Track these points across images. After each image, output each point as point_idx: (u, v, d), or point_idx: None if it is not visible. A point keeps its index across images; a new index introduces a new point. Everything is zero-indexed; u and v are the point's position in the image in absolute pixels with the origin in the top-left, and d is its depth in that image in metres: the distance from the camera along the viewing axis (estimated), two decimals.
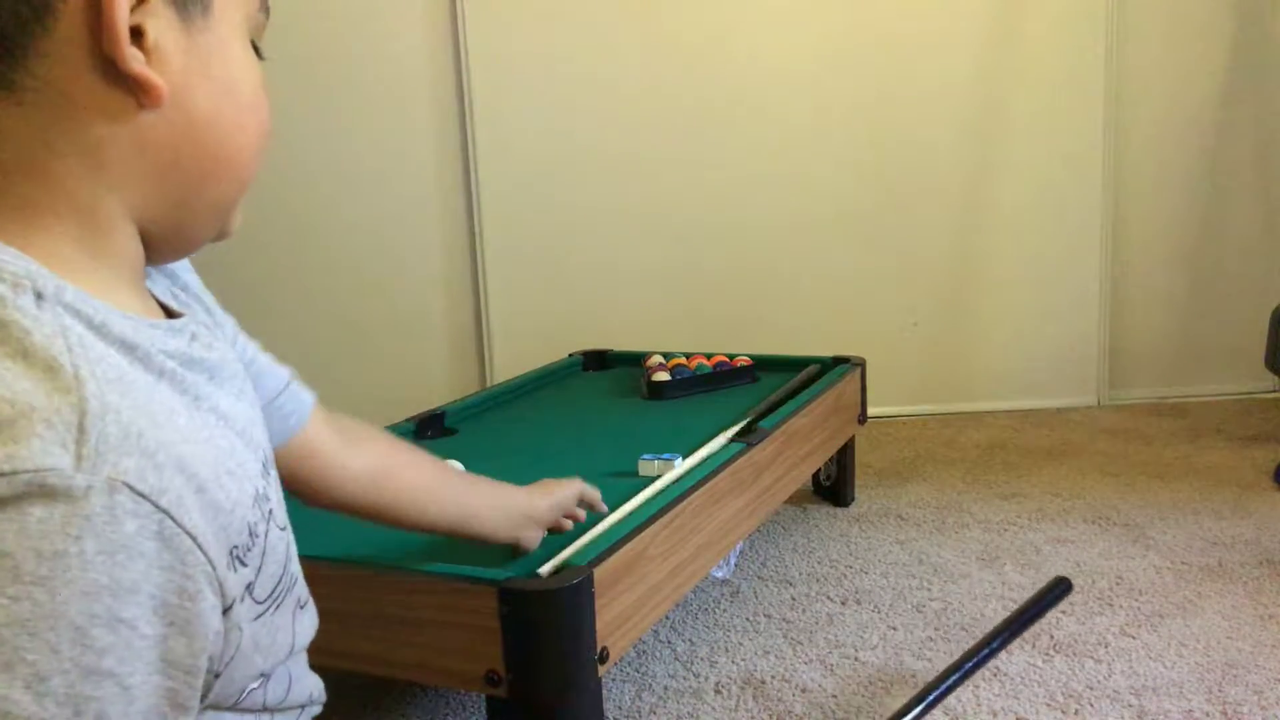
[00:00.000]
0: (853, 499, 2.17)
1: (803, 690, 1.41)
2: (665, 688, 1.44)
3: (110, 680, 0.41)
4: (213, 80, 0.52)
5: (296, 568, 0.59)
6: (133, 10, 0.47)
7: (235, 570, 0.48)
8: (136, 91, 0.48)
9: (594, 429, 1.86)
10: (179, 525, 0.43)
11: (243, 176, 0.55)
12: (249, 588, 0.50)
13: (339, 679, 1.42)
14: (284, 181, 2.72)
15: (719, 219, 2.86)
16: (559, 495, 1.17)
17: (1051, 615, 1.58)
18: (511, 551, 1.15)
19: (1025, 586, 1.70)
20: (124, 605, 0.41)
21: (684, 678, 1.47)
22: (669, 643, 1.57)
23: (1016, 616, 1.15)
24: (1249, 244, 2.88)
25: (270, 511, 0.53)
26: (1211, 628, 1.53)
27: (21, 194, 0.48)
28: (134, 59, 0.47)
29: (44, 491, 0.39)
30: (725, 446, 1.56)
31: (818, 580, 1.78)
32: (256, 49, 0.56)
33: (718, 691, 1.42)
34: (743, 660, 1.51)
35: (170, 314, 0.57)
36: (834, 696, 1.39)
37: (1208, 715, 1.30)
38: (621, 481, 1.44)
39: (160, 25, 0.48)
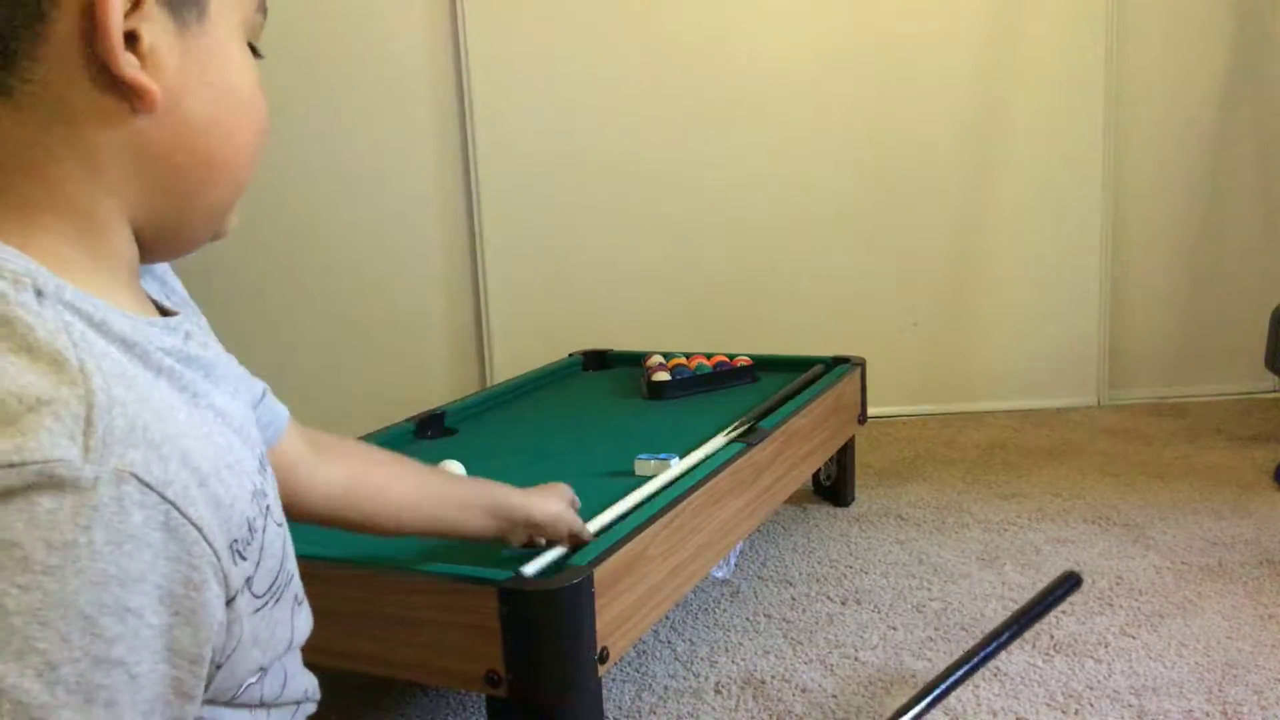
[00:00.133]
0: (853, 499, 2.17)
1: (803, 690, 1.41)
2: (665, 688, 1.44)
3: (119, 669, 0.41)
4: (209, 84, 0.52)
5: (293, 564, 0.60)
6: (127, 15, 0.47)
7: (236, 564, 0.48)
8: (131, 97, 0.48)
9: (594, 429, 1.86)
10: (185, 516, 0.44)
11: (239, 179, 0.56)
12: (248, 581, 0.50)
13: (338, 679, 1.42)
14: (284, 181, 2.72)
15: (719, 219, 2.86)
16: (565, 513, 1.13)
17: (1051, 615, 1.58)
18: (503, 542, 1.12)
19: (1025, 586, 1.70)
20: (132, 594, 0.41)
21: (684, 678, 1.47)
22: (669, 643, 1.57)
23: (1026, 610, 1.15)
24: (1249, 244, 2.88)
25: (268, 507, 0.53)
26: (1211, 628, 1.53)
27: (21, 194, 0.48)
28: (128, 64, 0.47)
29: (53, 482, 0.40)
30: (724, 447, 1.56)
31: (818, 580, 1.78)
32: (255, 49, 0.56)
33: (718, 691, 1.42)
34: (743, 660, 1.51)
35: (165, 313, 0.57)
36: (834, 696, 1.39)
37: (1208, 715, 1.30)
38: (618, 481, 1.44)
39: (155, 30, 0.48)
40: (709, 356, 2.19)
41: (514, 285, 2.88)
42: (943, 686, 0.83)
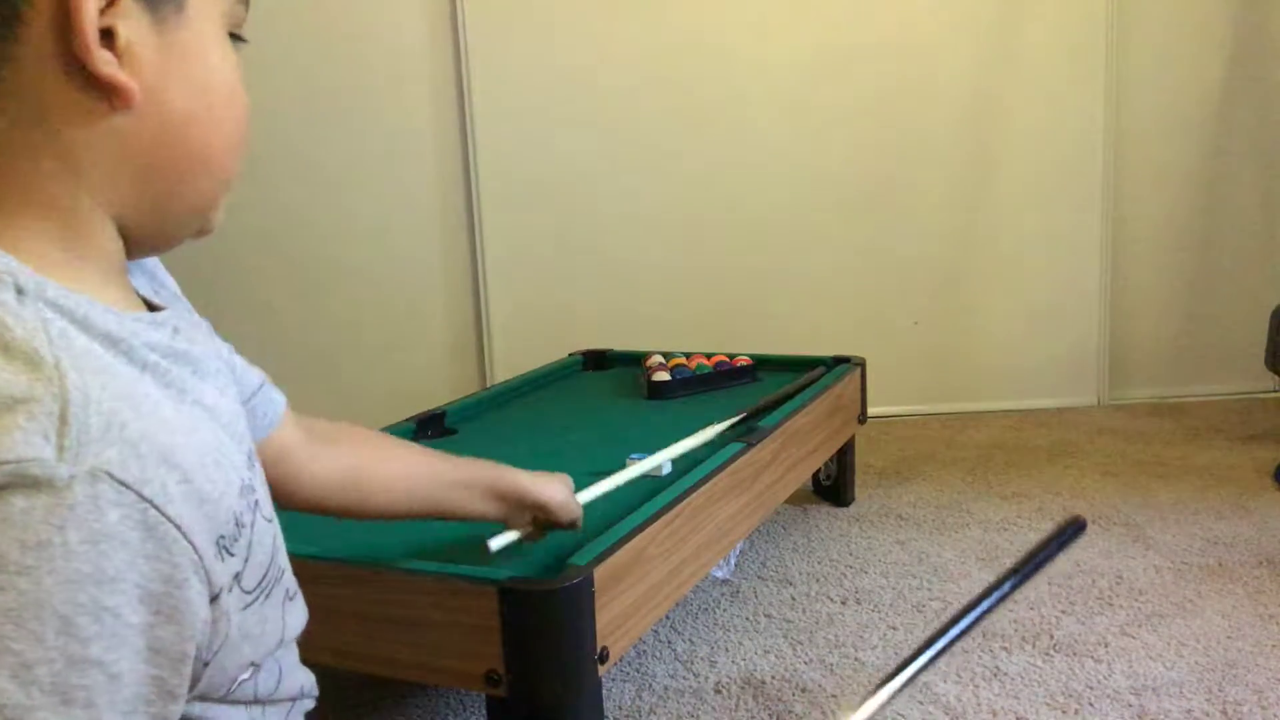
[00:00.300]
0: (853, 499, 2.17)
1: (803, 690, 1.41)
2: (665, 688, 1.44)
3: (96, 668, 0.41)
4: (188, 79, 0.51)
5: (284, 559, 0.59)
6: (102, 12, 0.46)
7: (223, 560, 0.48)
8: (109, 94, 0.48)
9: (594, 429, 1.86)
10: (163, 514, 0.43)
11: (222, 174, 0.55)
12: (237, 577, 0.50)
13: (338, 678, 1.42)
14: (284, 181, 2.72)
15: (719, 219, 2.86)
16: (572, 499, 1.11)
17: (1051, 615, 1.58)
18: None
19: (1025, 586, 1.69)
20: (108, 594, 0.41)
21: (684, 677, 1.47)
22: (669, 643, 1.57)
23: (1030, 556, 1.12)
24: (1249, 244, 2.88)
25: (256, 502, 0.53)
26: (1211, 628, 1.53)
27: (2, 193, 0.48)
28: (104, 61, 0.47)
29: (26, 482, 0.39)
30: (716, 437, 1.56)
31: (818, 580, 1.78)
32: (238, 36, 0.55)
33: (718, 691, 1.42)
34: (743, 660, 1.51)
35: (153, 309, 0.57)
36: (834, 696, 1.39)
37: (1208, 715, 1.30)
38: None
39: (131, 26, 0.48)
40: (709, 356, 2.19)
41: (514, 285, 2.88)
42: (944, 640, 0.82)
